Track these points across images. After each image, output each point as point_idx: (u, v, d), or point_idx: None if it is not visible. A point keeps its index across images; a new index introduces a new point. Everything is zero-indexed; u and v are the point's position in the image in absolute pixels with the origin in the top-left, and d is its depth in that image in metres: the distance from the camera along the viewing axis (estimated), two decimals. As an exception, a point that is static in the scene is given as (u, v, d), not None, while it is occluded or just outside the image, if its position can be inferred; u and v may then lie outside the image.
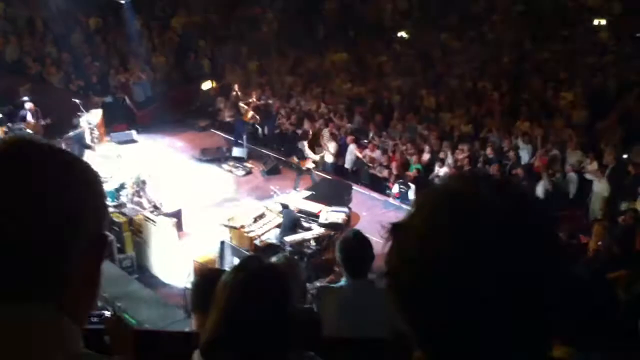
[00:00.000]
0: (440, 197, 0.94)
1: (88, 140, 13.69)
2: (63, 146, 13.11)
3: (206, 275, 3.16)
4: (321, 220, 11.62)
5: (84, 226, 1.00)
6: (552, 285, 0.88)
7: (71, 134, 13.65)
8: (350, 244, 3.99)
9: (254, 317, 1.95)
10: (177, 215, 12.03)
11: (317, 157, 14.44)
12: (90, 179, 1.05)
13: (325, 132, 15.57)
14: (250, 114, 16.15)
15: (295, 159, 14.97)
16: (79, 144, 13.55)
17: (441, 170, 13.78)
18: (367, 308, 3.66)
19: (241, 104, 16.25)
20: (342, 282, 4.13)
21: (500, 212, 0.88)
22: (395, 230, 0.95)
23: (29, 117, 14.44)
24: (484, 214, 0.88)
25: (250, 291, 2.00)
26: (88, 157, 12.88)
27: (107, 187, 11.88)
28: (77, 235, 0.99)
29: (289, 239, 10.93)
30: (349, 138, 15.21)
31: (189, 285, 3.93)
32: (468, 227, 0.87)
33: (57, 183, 0.98)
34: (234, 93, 16.59)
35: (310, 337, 3.82)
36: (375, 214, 13.12)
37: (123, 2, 16.32)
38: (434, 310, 0.88)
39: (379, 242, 1.10)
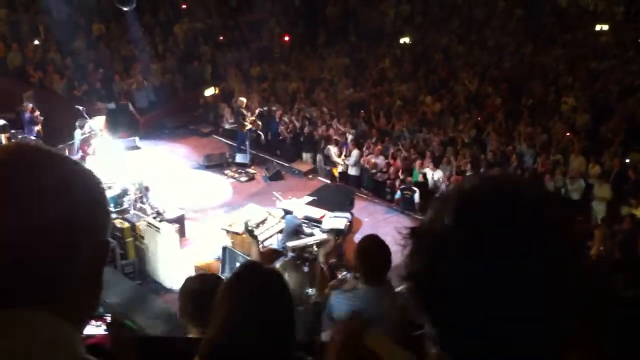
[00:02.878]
0: (456, 199, 0.94)
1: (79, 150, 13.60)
2: (66, 152, 13.15)
3: (200, 284, 3.15)
4: (323, 225, 11.62)
5: (85, 233, 0.99)
6: (575, 285, 0.88)
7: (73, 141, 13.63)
8: (369, 249, 3.94)
9: (256, 324, 1.95)
10: (179, 221, 12.04)
11: (341, 161, 14.76)
12: (91, 186, 1.04)
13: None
14: (248, 127, 16.20)
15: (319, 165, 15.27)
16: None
17: (442, 175, 13.80)
18: (380, 316, 3.61)
19: (243, 111, 16.29)
20: (357, 285, 4.06)
21: (519, 209, 0.88)
22: (414, 235, 0.96)
23: (27, 117, 14.56)
24: (502, 213, 0.88)
25: (251, 298, 2.00)
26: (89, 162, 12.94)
27: (110, 193, 11.91)
28: (79, 242, 0.98)
29: (291, 244, 10.92)
30: (352, 143, 15.24)
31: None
32: (487, 228, 0.87)
33: (57, 190, 0.98)
34: (238, 103, 16.63)
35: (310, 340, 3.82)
36: (377, 220, 13.12)
37: (126, 8, 16.33)
38: (456, 311, 0.88)
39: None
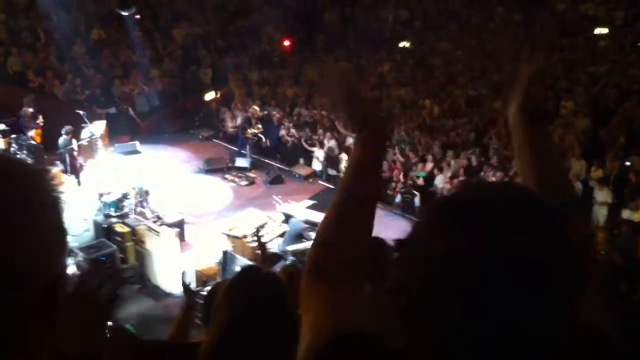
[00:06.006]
0: (443, 208, 0.93)
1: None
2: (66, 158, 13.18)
3: (212, 290, 3.14)
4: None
5: (26, 270, 0.74)
6: (575, 287, 0.87)
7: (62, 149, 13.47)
8: (373, 249, 3.91)
9: (254, 328, 1.95)
10: (179, 225, 12.03)
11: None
12: (31, 187, 0.78)
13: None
14: (250, 135, 16.24)
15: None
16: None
17: (442, 179, 13.78)
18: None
19: (252, 120, 16.35)
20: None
21: (507, 216, 0.87)
22: (401, 246, 0.94)
23: (23, 121, 14.53)
24: (489, 221, 0.87)
25: (250, 302, 2.00)
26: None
27: (110, 197, 11.91)
28: (17, 285, 0.72)
29: (291, 248, 10.91)
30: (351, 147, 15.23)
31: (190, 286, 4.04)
32: (474, 237, 0.86)
33: None
34: (251, 111, 16.68)
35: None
36: (378, 223, 12.99)
37: (125, 13, 16.35)
38: (442, 324, 0.87)
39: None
